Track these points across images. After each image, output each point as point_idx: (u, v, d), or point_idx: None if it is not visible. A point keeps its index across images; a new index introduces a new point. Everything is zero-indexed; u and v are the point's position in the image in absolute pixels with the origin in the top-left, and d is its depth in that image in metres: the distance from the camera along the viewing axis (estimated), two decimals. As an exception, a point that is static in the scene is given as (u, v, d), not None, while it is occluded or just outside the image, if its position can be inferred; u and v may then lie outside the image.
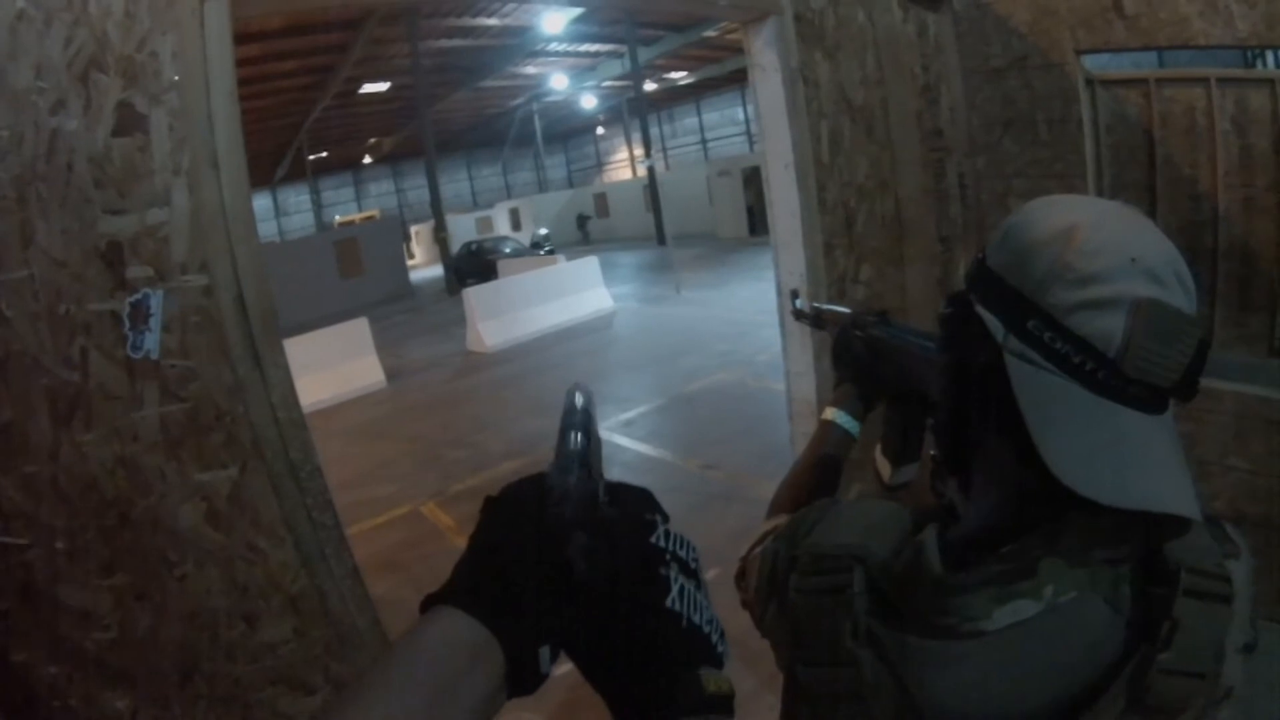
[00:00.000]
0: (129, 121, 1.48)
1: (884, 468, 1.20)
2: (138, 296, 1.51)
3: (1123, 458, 0.64)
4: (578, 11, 20.40)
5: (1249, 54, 9.41)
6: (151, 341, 1.50)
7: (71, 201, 1.46)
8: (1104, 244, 0.67)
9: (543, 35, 25.10)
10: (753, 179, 25.54)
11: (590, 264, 15.25)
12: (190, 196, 1.56)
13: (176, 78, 1.51)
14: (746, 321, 11.90)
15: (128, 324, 1.50)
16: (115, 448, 1.52)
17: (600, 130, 49.05)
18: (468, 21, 22.73)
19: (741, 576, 1.09)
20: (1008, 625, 0.63)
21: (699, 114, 44.06)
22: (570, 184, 50.77)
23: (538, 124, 39.80)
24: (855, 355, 1.20)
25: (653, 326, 12.93)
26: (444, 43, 24.41)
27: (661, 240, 26.74)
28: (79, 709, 1.55)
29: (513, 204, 38.65)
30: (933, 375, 0.88)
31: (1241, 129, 3.62)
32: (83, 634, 1.55)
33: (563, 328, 13.59)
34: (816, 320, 1.38)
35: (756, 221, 25.55)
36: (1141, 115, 3.86)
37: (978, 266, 0.77)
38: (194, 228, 1.57)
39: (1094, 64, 3.88)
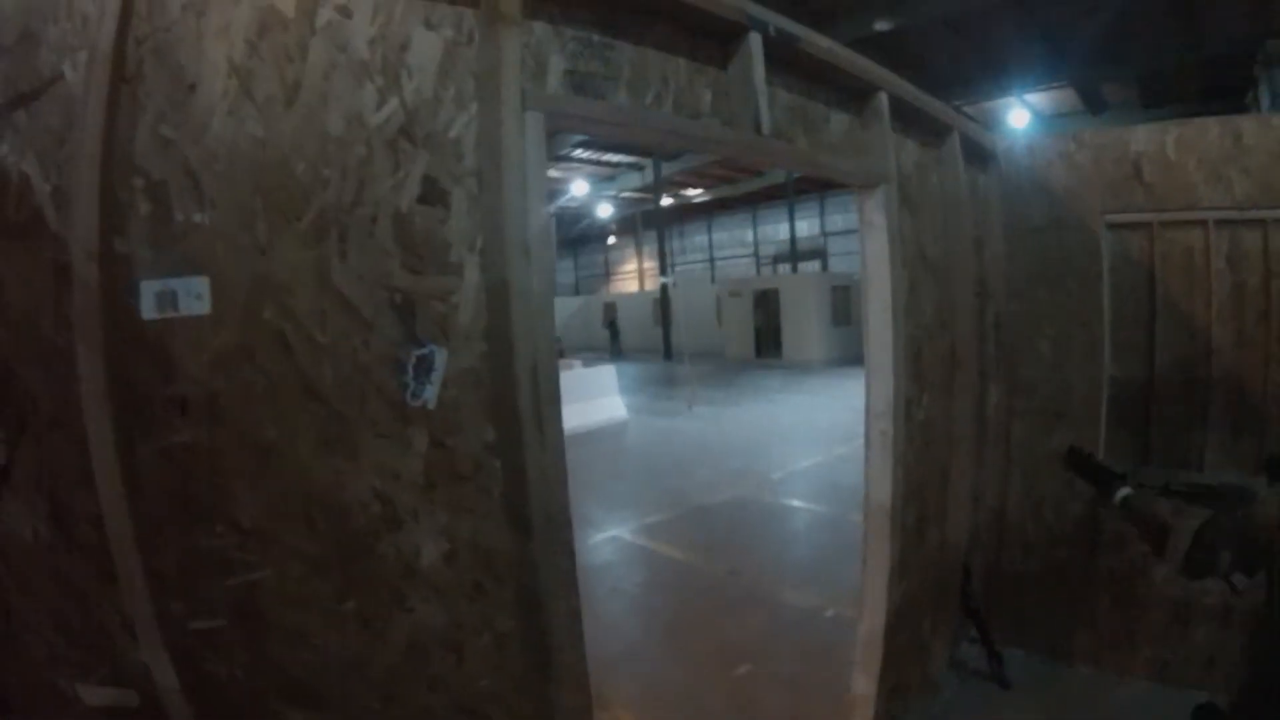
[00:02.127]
0: (432, 194, 1.71)
1: None
2: (425, 350, 1.69)
3: None
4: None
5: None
6: (430, 393, 1.70)
7: (371, 252, 1.65)
8: None
9: (570, 139, 26.11)
10: (762, 301, 26.22)
11: (607, 372, 15.52)
12: (482, 273, 1.77)
13: (476, 163, 1.74)
14: (758, 440, 12.11)
15: (411, 373, 1.69)
16: (375, 482, 1.67)
17: (612, 239, 50.43)
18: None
19: None
20: None
21: (709, 231, 45.47)
22: (577, 290, 51.75)
23: (553, 227, 40.93)
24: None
25: (666, 439, 13.10)
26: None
27: (668, 355, 27.15)
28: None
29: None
30: None
31: (1235, 266, 3.99)
32: (291, 655, 1.65)
33: (578, 432, 13.72)
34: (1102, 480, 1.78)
35: (764, 344, 26.07)
36: (1143, 256, 4.26)
37: None
38: (479, 300, 1.77)
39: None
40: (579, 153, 28.87)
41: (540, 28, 1.88)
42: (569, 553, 1.93)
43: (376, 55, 1.67)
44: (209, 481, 1.57)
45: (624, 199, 36.94)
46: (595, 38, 2.00)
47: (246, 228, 1.57)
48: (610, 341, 33.85)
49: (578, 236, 51.06)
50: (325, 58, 1.62)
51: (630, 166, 31.50)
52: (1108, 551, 4.15)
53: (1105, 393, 4.21)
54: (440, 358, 1.72)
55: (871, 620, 3.39)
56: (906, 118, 3.45)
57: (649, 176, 29.26)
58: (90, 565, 1.58)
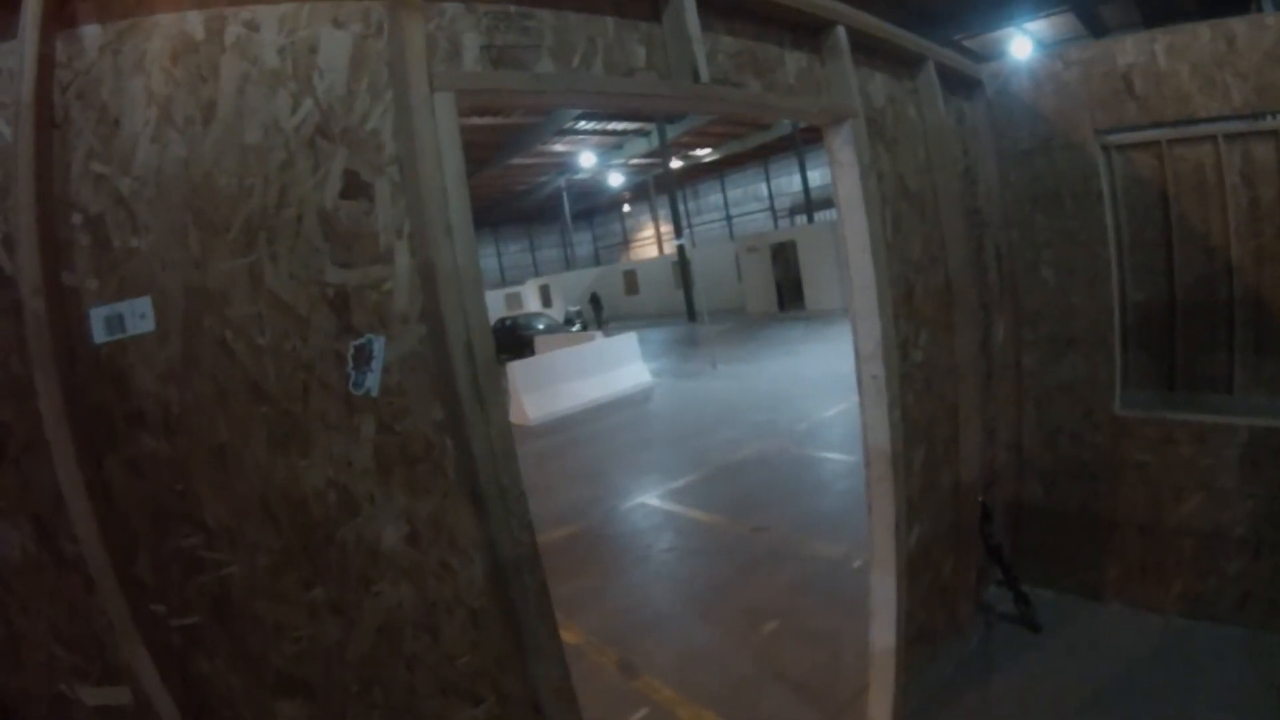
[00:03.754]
0: (354, 187, 1.75)
1: None
2: (363, 340, 1.74)
3: None
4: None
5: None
6: (372, 380, 1.75)
7: (300, 251, 1.70)
8: None
9: (571, 113, 25.97)
10: (780, 254, 26.02)
11: (629, 340, 15.58)
12: (412, 257, 1.81)
13: (396, 152, 1.77)
14: (782, 393, 12.11)
15: (351, 364, 1.73)
16: (329, 473, 1.72)
17: (626, 207, 50.25)
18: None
19: None
20: None
21: (723, 190, 45.10)
22: (597, 260, 51.79)
23: (566, 201, 40.94)
24: None
25: (691, 400, 13.15)
26: (474, 120, 25.38)
27: (692, 316, 27.11)
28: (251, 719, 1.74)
29: (543, 280, 39.57)
30: None
31: (1250, 181, 3.88)
32: (270, 647, 1.72)
33: (603, 401, 13.84)
34: None
35: (786, 297, 25.91)
36: (1155, 177, 4.14)
37: None
38: (413, 284, 1.81)
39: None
40: (582, 124, 28.69)
41: (452, 7, 1.89)
42: (526, 526, 1.96)
43: (287, 62, 1.71)
44: (172, 487, 1.64)
45: (633, 166, 36.72)
46: (512, 9, 1.99)
47: (180, 245, 1.64)
48: (594, 314, 33.81)
49: (592, 208, 50.99)
50: (237, 72, 1.67)
51: (636, 133, 31.25)
52: (1130, 482, 4.07)
53: (1117, 317, 4.11)
54: (379, 346, 1.76)
55: (883, 568, 3.37)
56: (871, 51, 3.38)
57: (656, 140, 28.98)
58: (75, 575, 1.66)
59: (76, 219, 1.57)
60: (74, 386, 1.58)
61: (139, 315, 1.62)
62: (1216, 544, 3.77)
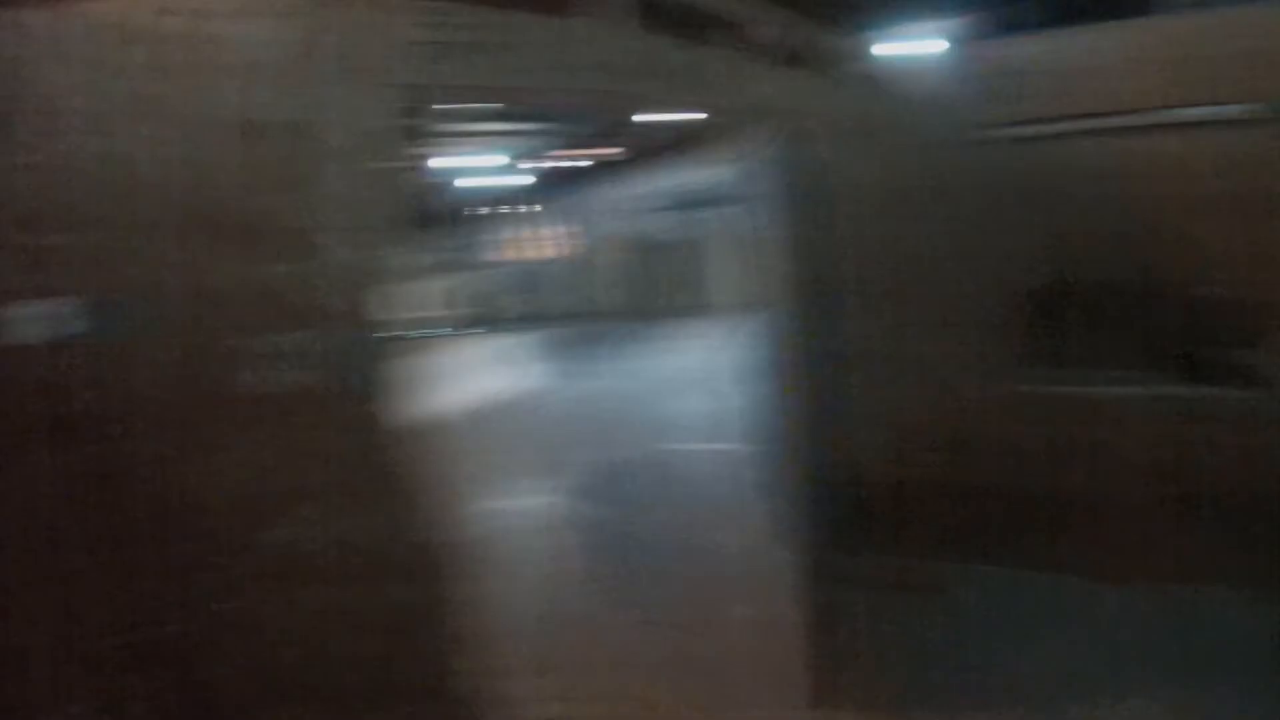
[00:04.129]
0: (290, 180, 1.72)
1: None
2: (290, 336, 1.71)
3: None
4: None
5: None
6: (298, 377, 1.72)
7: (238, 245, 1.66)
8: None
9: (469, 111, 25.38)
10: (682, 250, 26.15)
11: (528, 340, 15.55)
12: (344, 253, 1.79)
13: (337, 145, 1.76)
14: (679, 388, 12.15)
15: (280, 362, 1.70)
16: (248, 475, 1.69)
17: (526, 206, 49.59)
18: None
19: None
20: None
21: (622, 188, 44.94)
22: (496, 261, 50.96)
23: (463, 201, 40.03)
24: None
25: (591, 398, 13.00)
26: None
27: (579, 318, 26.95)
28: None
29: (445, 282, 38.64)
30: None
31: (1135, 171, 4.15)
32: (278, 652, 1.70)
33: (502, 402, 13.58)
34: None
35: (692, 291, 26.01)
36: (1045, 166, 4.34)
37: None
38: (351, 279, 1.79)
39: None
40: (462, 126, 28.21)
41: (399, 5, 1.88)
42: (447, 516, 1.97)
43: (231, 53, 1.66)
44: (98, 498, 1.56)
45: (535, 164, 36.29)
46: (447, 6, 1.99)
47: (114, 241, 1.56)
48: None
49: (492, 206, 50.09)
50: (183, 63, 1.62)
51: (537, 131, 30.89)
52: (1026, 451, 4.28)
53: (1021, 299, 4.31)
54: (306, 341, 1.73)
55: (785, 544, 3.54)
56: (793, 48, 3.49)
57: (535, 144, 28.79)
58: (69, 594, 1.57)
59: (7, 214, 1.50)
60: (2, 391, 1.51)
61: (72, 315, 1.54)
62: (1112, 510, 4.02)
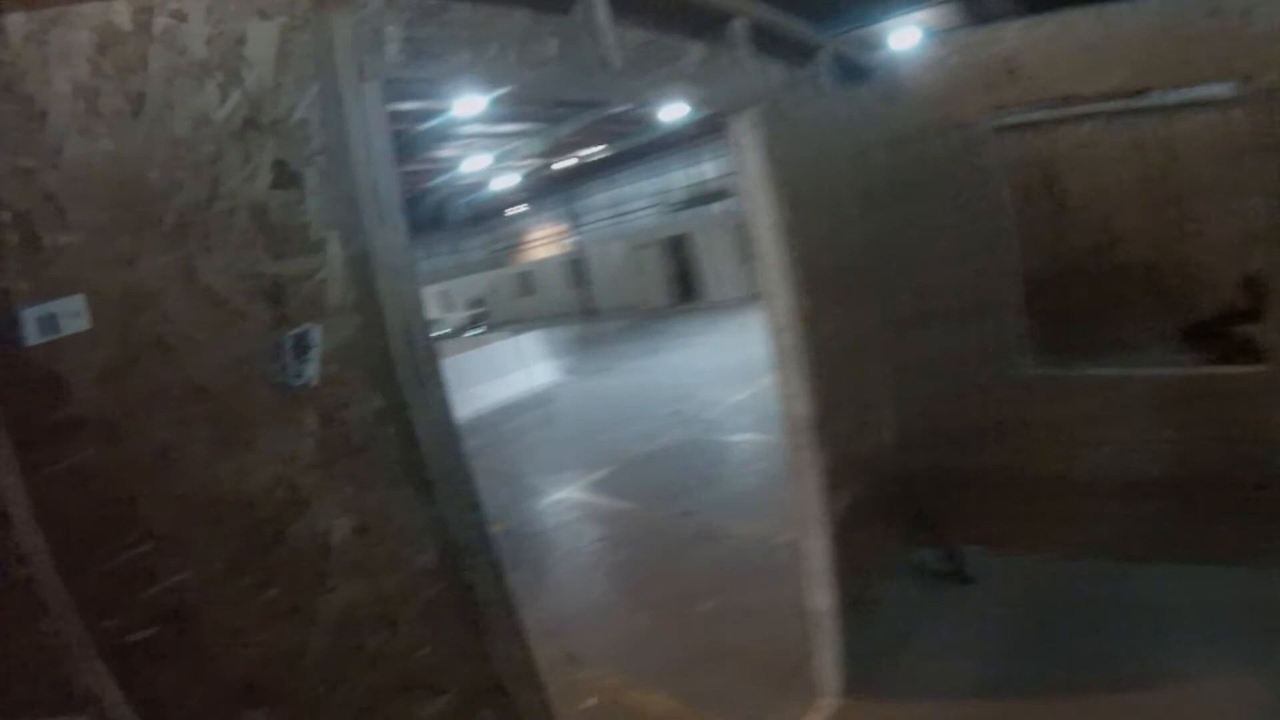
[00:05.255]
0: (284, 177, 1.73)
1: None
2: (299, 331, 1.72)
3: None
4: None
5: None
6: (311, 371, 1.72)
7: (232, 244, 1.67)
8: None
9: (459, 118, 25.55)
10: (676, 247, 26.37)
11: (533, 340, 15.56)
12: (344, 246, 1.80)
13: (325, 141, 1.77)
14: (686, 384, 12.34)
15: (289, 355, 1.70)
16: (275, 469, 1.69)
17: (519, 209, 49.77)
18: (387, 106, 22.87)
19: None
20: None
21: (616, 186, 45.16)
22: (493, 264, 51.14)
23: (457, 206, 40.20)
24: None
25: (599, 396, 13.24)
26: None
27: (589, 314, 27.16)
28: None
29: (440, 286, 38.84)
30: None
31: (1135, 154, 4.20)
32: (231, 654, 1.67)
33: (510, 402, 13.76)
34: None
35: (684, 290, 26.27)
36: (1042, 153, 4.43)
37: None
38: (348, 272, 1.80)
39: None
40: (473, 127, 28.23)
41: (375, 1, 1.89)
42: (476, 507, 1.98)
43: (215, 53, 1.68)
44: (116, 494, 1.58)
45: (525, 167, 36.36)
46: (431, 3, 2.02)
47: (112, 241, 1.58)
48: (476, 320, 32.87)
49: (484, 211, 50.20)
50: (165, 63, 1.63)
51: (526, 134, 30.91)
52: (1041, 439, 4.30)
53: (1019, 283, 4.31)
54: (315, 335, 1.75)
55: (815, 535, 3.51)
56: (770, 41, 3.52)
57: (547, 141, 28.79)
58: (27, 596, 1.58)
59: (5, 216, 1.49)
60: (7, 393, 1.49)
61: (73, 314, 1.54)
62: (1130, 490, 4.04)
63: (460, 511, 1.95)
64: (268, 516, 1.71)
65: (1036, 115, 4.32)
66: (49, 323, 1.53)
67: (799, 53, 3.83)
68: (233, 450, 1.67)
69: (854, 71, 4.37)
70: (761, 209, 3.37)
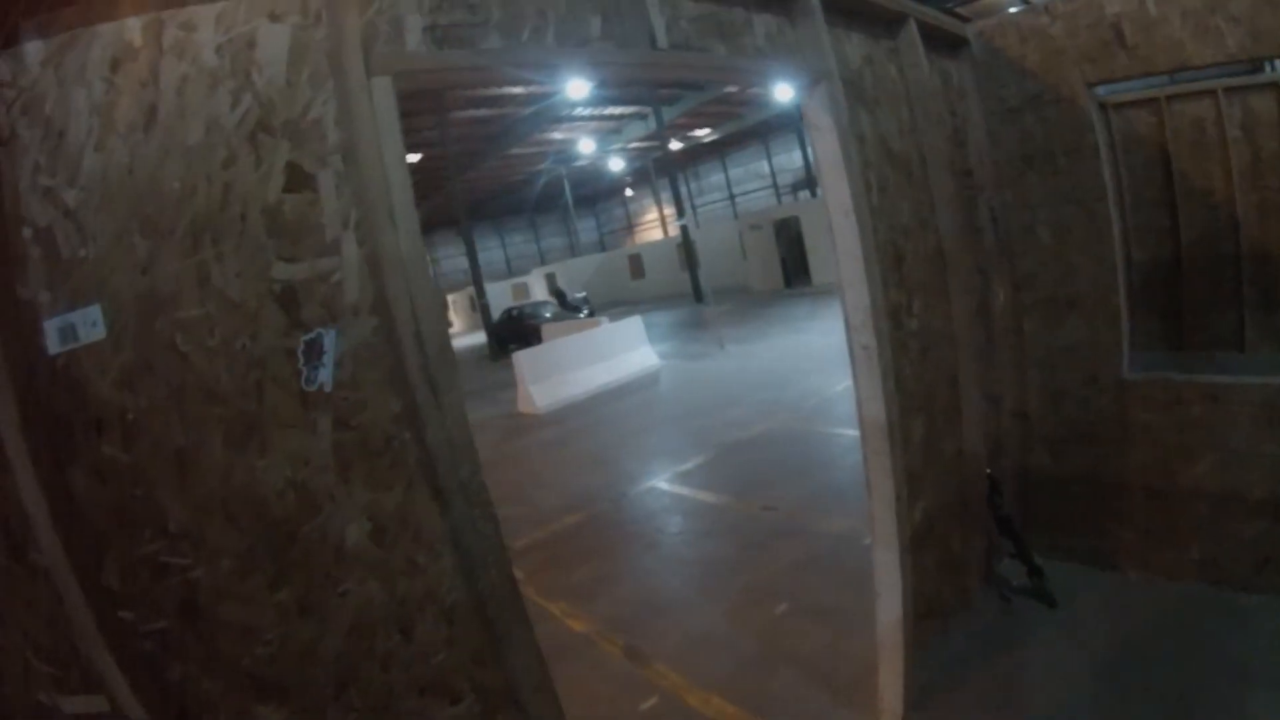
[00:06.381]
0: (297, 179, 1.72)
1: None
2: (312, 335, 1.71)
3: None
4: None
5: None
6: (325, 375, 1.71)
7: (245, 249, 1.68)
8: None
9: (567, 101, 25.79)
10: (784, 230, 25.86)
11: (634, 324, 15.56)
12: (360, 247, 1.78)
13: (339, 141, 1.75)
14: (788, 370, 12.05)
15: (302, 359, 1.70)
16: (288, 472, 1.69)
17: (629, 191, 50.05)
18: (494, 91, 23.38)
19: None
20: None
21: (724, 169, 44.84)
22: (603, 246, 51.69)
23: (567, 189, 40.81)
24: None
25: (698, 381, 13.11)
26: (471, 112, 25.28)
27: (698, 297, 27.02)
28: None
29: (549, 269, 39.51)
30: None
31: (1250, 134, 3.77)
32: (242, 649, 1.70)
33: (611, 387, 13.83)
34: None
35: (791, 273, 25.76)
36: (1153, 133, 4.03)
37: None
38: (363, 274, 1.78)
39: (1106, 90, 4.10)
40: (580, 110, 28.49)
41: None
42: (490, 518, 1.93)
43: (225, 59, 1.68)
44: (134, 492, 1.62)
45: (633, 150, 36.49)
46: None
47: (128, 251, 1.62)
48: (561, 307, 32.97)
49: (594, 194, 50.77)
50: (176, 74, 1.65)
51: (634, 116, 31.03)
52: (1140, 446, 3.95)
53: (1121, 277, 4.00)
54: (329, 339, 1.73)
55: (886, 544, 3.30)
56: (847, 11, 3.30)
57: (655, 123, 28.77)
58: (46, 585, 1.65)
59: (27, 233, 1.56)
60: (31, 398, 1.57)
61: (90, 323, 1.61)
62: (1232, 508, 3.65)
63: (473, 522, 1.90)
64: (281, 517, 1.72)
65: (1143, 90, 3.91)
66: (69, 332, 1.60)
67: (882, 23, 3.58)
68: (247, 452, 1.69)
69: (945, 43, 4.06)
70: (837, 193, 3.16)
